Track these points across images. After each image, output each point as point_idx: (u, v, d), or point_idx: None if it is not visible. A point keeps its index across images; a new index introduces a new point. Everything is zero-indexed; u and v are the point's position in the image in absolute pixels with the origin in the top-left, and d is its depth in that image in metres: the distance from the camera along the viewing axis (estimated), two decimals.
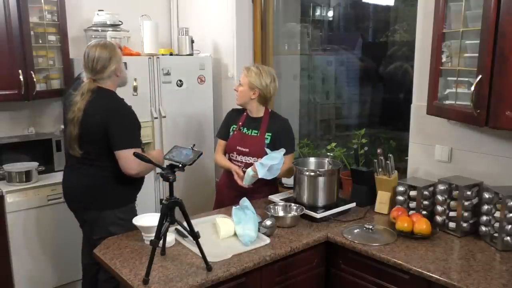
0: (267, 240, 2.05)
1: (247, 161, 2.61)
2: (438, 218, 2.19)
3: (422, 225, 2.08)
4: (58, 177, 2.90)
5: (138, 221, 2.07)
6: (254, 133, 2.62)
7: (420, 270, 1.81)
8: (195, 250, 1.86)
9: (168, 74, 3.33)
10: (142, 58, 3.24)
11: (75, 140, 2.29)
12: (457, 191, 2.13)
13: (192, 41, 3.53)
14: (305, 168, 2.45)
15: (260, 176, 2.40)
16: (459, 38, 1.98)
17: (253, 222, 2.08)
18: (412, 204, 2.30)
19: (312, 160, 2.61)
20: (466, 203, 2.11)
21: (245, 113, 2.69)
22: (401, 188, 2.33)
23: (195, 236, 1.78)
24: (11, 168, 2.97)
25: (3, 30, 2.89)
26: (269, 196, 2.54)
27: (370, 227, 2.16)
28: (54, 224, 3.04)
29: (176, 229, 2.08)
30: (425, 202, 2.27)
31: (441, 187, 2.18)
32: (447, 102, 2.10)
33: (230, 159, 2.70)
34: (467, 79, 1.97)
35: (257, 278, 1.93)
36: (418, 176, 2.50)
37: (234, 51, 3.53)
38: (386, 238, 2.11)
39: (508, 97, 1.74)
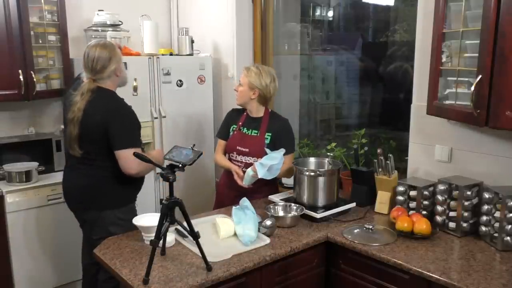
0: (267, 240, 2.05)
1: (247, 161, 2.61)
2: (438, 218, 2.19)
3: (422, 225, 2.08)
4: (58, 177, 2.90)
5: (138, 221, 2.07)
6: (254, 133, 2.62)
7: (420, 270, 1.81)
8: (195, 250, 1.87)
9: (168, 74, 3.33)
10: (142, 58, 3.24)
11: (75, 140, 2.29)
12: (457, 191, 2.13)
13: (192, 41, 3.53)
14: (305, 168, 2.45)
15: (259, 176, 2.40)
16: (459, 38, 1.98)
17: (253, 222, 2.08)
18: (412, 204, 2.30)
19: (312, 160, 2.61)
20: (466, 203, 2.11)
21: (245, 113, 2.69)
22: (401, 188, 2.33)
23: (195, 236, 1.78)
24: (11, 168, 2.97)
25: (3, 30, 2.89)
26: (269, 196, 2.54)
27: (370, 227, 2.16)
28: (54, 224, 3.04)
29: (176, 229, 2.07)
30: (425, 202, 2.27)
31: (441, 187, 2.18)
32: (447, 102, 2.10)
33: (230, 159, 2.70)
34: (467, 79, 1.97)
35: (257, 278, 1.93)
36: (418, 176, 2.50)
37: (234, 51, 3.53)
38: (386, 238, 2.11)
39: (508, 97, 1.74)
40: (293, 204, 2.37)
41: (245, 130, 2.65)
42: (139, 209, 2.48)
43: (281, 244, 2.03)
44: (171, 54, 3.47)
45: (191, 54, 3.53)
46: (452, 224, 2.15)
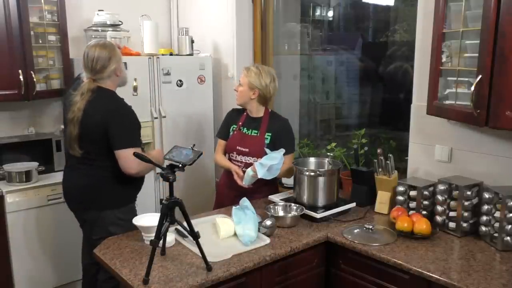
0: (267, 240, 2.05)
1: (247, 161, 2.61)
2: (438, 218, 2.19)
3: (422, 225, 2.08)
4: (58, 177, 2.90)
5: (138, 221, 2.07)
6: (254, 133, 2.62)
7: (420, 270, 1.81)
8: (195, 250, 1.86)
9: (168, 74, 3.33)
10: (142, 58, 3.24)
11: (75, 140, 2.29)
12: (457, 191, 2.13)
13: (192, 41, 3.53)
14: (305, 168, 2.45)
15: (259, 176, 2.40)
16: (459, 38, 1.98)
17: (253, 222, 2.08)
18: (412, 204, 2.30)
19: (312, 160, 2.61)
20: (466, 203, 2.11)
21: (245, 113, 2.69)
22: (401, 188, 2.33)
23: (195, 236, 1.78)
24: (11, 168, 2.97)
25: (3, 30, 2.89)
26: (269, 196, 2.54)
27: (370, 227, 2.16)
28: (54, 224, 3.04)
29: (176, 229, 2.07)
30: (425, 202, 2.27)
31: (441, 187, 2.18)
32: (447, 102, 2.10)
33: (230, 159, 2.70)
34: (467, 79, 1.97)
35: (257, 278, 1.93)
36: (418, 176, 2.50)
37: (234, 51, 3.53)
38: (386, 238, 2.11)
39: (508, 97, 1.74)
40: (293, 204, 2.37)
41: (245, 130, 2.65)
42: (139, 209, 2.47)
43: (281, 244, 2.03)
44: (171, 54, 3.47)
45: (191, 54, 3.53)
46: (452, 224, 2.15)
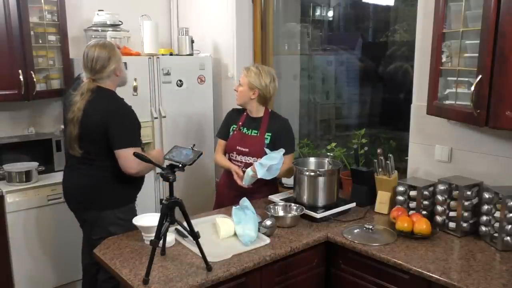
0: (267, 240, 2.05)
1: (247, 161, 2.61)
2: (438, 218, 2.19)
3: (422, 225, 2.08)
4: (58, 177, 2.90)
5: (138, 221, 2.07)
6: (254, 133, 2.62)
7: (420, 270, 1.81)
8: (195, 250, 1.86)
9: (168, 74, 3.33)
10: (142, 58, 3.24)
11: (75, 140, 2.29)
12: (457, 191, 2.13)
13: (192, 41, 3.53)
14: (305, 168, 2.45)
15: (259, 176, 2.40)
16: (459, 38, 1.98)
17: (253, 222, 2.08)
18: (412, 204, 2.30)
19: (312, 160, 2.61)
20: (466, 203, 2.11)
21: (245, 113, 2.69)
22: (401, 188, 2.33)
23: (195, 236, 1.78)
24: (11, 168, 2.97)
25: (3, 30, 2.89)
26: (269, 196, 2.54)
27: (370, 227, 2.16)
28: (54, 224, 3.04)
29: (176, 229, 2.07)
30: (425, 202, 2.27)
31: (441, 187, 2.18)
32: (447, 102, 2.10)
33: (230, 159, 2.70)
34: (467, 79, 1.97)
35: (257, 278, 1.93)
36: (418, 176, 2.50)
37: (234, 51, 3.53)
38: (386, 238, 2.10)
39: (508, 97, 1.74)
40: (293, 204, 2.37)
41: (245, 130, 2.65)
42: (139, 209, 2.48)
43: (281, 244, 2.03)
44: (171, 54, 3.47)
45: (191, 54, 3.53)
46: (452, 224, 2.15)
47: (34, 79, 3.02)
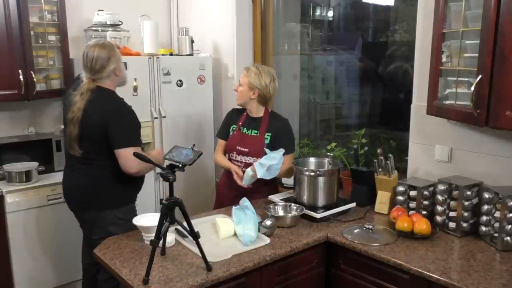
0: (267, 240, 2.05)
1: (247, 161, 2.61)
2: (438, 218, 2.19)
3: (422, 225, 2.08)
4: (58, 177, 2.90)
5: (138, 221, 2.07)
6: (254, 133, 2.62)
7: (420, 270, 1.81)
8: (195, 250, 1.86)
9: (168, 74, 3.33)
10: (142, 58, 3.24)
11: (75, 140, 2.29)
12: (457, 191, 2.13)
13: (192, 41, 3.53)
14: (305, 168, 2.45)
15: (259, 176, 2.40)
16: (459, 38, 1.98)
17: (253, 222, 2.08)
18: (412, 204, 2.30)
19: (312, 160, 2.61)
20: (466, 203, 2.11)
21: (245, 113, 2.69)
22: (401, 188, 2.33)
23: (195, 236, 1.78)
24: (11, 168, 2.97)
25: (3, 30, 2.89)
26: (269, 196, 2.54)
27: (370, 227, 2.16)
28: (54, 224, 3.04)
29: (176, 229, 2.07)
30: (425, 202, 2.27)
31: (441, 187, 2.18)
32: (447, 102, 2.10)
33: (230, 159, 2.70)
34: (467, 79, 1.97)
35: (257, 278, 1.93)
36: (418, 176, 2.50)
37: (234, 51, 3.53)
38: (386, 238, 2.10)
39: (508, 97, 1.74)
40: (293, 204, 2.37)
41: (245, 130, 2.65)
42: (139, 209, 2.47)
43: (281, 244, 2.03)
44: (171, 54, 3.47)
45: (191, 54, 3.53)
46: (452, 224, 2.15)
47: (34, 79, 3.02)
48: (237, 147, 2.64)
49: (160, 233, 1.74)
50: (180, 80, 3.39)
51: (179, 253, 1.94)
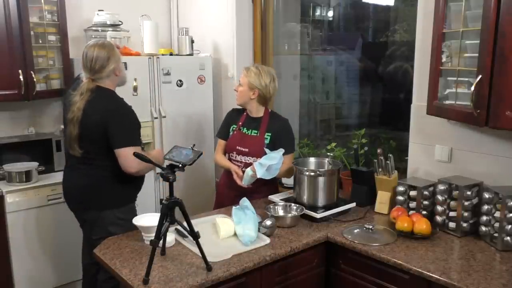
0: (267, 240, 2.05)
1: (247, 161, 2.61)
2: (438, 218, 2.19)
3: (422, 225, 2.08)
4: (58, 177, 2.90)
5: (138, 221, 2.07)
6: (254, 133, 2.62)
7: (420, 270, 1.81)
8: (195, 250, 1.86)
9: (168, 74, 3.33)
10: (142, 58, 3.24)
11: (75, 140, 2.29)
12: (457, 191, 2.13)
13: (192, 41, 3.53)
14: (305, 168, 2.45)
15: (258, 176, 2.40)
16: (459, 38, 1.98)
17: (253, 222, 2.08)
18: (412, 204, 2.30)
19: (312, 160, 2.61)
20: (466, 203, 2.11)
21: (245, 113, 2.69)
22: (401, 188, 2.33)
23: (195, 236, 1.78)
24: (11, 168, 2.97)
25: (3, 30, 2.89)
26: (269, 196, 2.54)
27: (370, 227, 2.16)
28: (54, 224, 3.04)
29: (176, 229, 2.07)
30: (425, 202, 2.27)
31: (441, 187, 2.18)
32: (447, 102, 2.10)
33: (230, 159, 2.70)
34: (467, 79, 1.97)
35: (257, 278, 1.93)
36: (418, 176, 2.50)
37: (234, 51, 3.53)
38: (386, 238, 2.10)
39: (508, 97, 1.74)
40: (293, 204, 2.37)
41: (245, 130, 2.65)
42: (139, 209, 2.47)
43: (281, 244, 2.03)
44: (171, 54, 3.47)
45: (191, 54, 3.53)
46: (452, 224, 2.15)
47: (34, 79, 3.02)
48: (237, 147, 2.64)
49: (160, 233, 1.74)
50: (180, 80, 3.39)
51: (179, 253, 1.94)
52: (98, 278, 2.43)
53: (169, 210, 1.78)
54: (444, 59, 2.10)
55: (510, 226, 1.95)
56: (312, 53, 4.00)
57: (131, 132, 2.32)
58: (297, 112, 3.98)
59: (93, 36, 3.26)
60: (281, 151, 2.44)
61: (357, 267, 2.09)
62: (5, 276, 2.91)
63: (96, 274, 2.46)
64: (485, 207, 2.04)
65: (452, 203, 2.16)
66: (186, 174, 2.06)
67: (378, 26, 3.69)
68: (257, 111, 2.65)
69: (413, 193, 2.28)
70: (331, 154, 2.74)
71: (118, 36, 3.26)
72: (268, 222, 2.12)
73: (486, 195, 2.03)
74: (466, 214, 2.11)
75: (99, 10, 3.35)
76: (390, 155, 2.47)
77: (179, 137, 3.39)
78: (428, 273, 1.78)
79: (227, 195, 2.68)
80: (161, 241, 1.81)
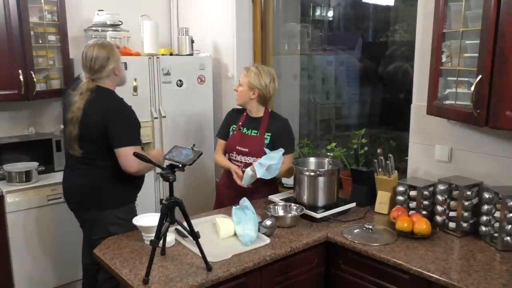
0: (267, 240, 2.05)
1: (247, 161, 2.61)
2: (438, 218, 2.19)
3: (422, 225, 2.08)
4: (58, 177, 2.90)
5: (138, 221, 2.07)
6: (254, 133, 2.62)
7: (420, 270, 1.81)
8: (195, 250, 1.86)
9: (168, 74, 3.33)
10: (142, 58, 3.24)
11: (75, 140, 2.29)
12: (457, 191, 2.13)
13: (192, 41, 3.53)
14: (305, 168, 2.45)
15: (258, 176, 2.40)
16: (459, 38, 1.98)
17: (253, 222, 2.08)
18: (412, 204, 2.30)
19: (312, 160, 2.61)
20: (466, 203, 2.11)
21: (245, 113, 2.69)
22: (401, 188, 2.33)
23: (195, 236, 1.78)
24: (11, 168, 2.97)
25: (3, 30, 2.89)
26: (269, 196, 2.54)
27: (370, 227, 2.16)
28: (54, 224, 3.04)
29: (176, 229, 2.07)
30: (425, 202, 2.27)
31: (441, 187, 2.18)
32: (447, 102, 2.10)
33: (230, 159, 2.70)
34: (467, 79, 1.97)
35: (257, 278, 1.93)
36: (418, 176, 2.50)
37: (234, 51, 3.53)
38: (386, 238, 2.10)
39: (508, 97, 1.74)
40: (293, 204, 2.37)
41: (245, 130, 2.65)
42: (139, 209, 2.47)
43: (281, 244, 2.03)
44: (171, 54, 3.47)
45: (191, 54, 3.53)
46: (452, 224, 2.15)
47: (34, 79, 3.02)
48: (237, 147, 2.64)
49: (160, 233, 1.74)
50: (180, 80, 3.39)
51: (179, 253, 1.94)
52: (98, 278, 2.43)
53: (169, 210, 1.78)
54: (444, 59, 2.10)
55: (510, 226, 1.95)
56: (312, 53, 4.01)
57: (131, 131, 2.32)
58: (297, 112, 3.98)
59: (93, 36, 3.26)
60: (281, 151, 2.44)
61: (357, 267, 2.09)
62: (5, 276, 2.91)
63: (96, 274, 2.46)
64: (485, 207, 2.04)
65: (452, 203, 2.16)
66: (186, 174, 2.05)
67: (378, 26, 3.69)
68: (257, 111, 2.65)
69: (413, 193, 2.28)
70: (331, 154, 2.74)
71: (118, 36, 3.27)
72: (268, 222, 2.12)
73: (486, 195, 2.03)
74: (466, 214, 2.11)
75: (99, 10, 3.35)
76: (390, 155, 2.47)
77: (179, 137, 3.39)
78: (428, 273, 1.78)
79: (227, 195, 2.68)
80: (161, 241, 1.81)
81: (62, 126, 2.77)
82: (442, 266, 1.83)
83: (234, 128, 2.69)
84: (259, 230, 2.09)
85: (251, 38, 3.59)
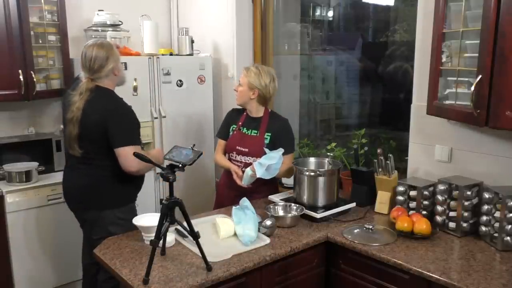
0: (267, 240, 2.05)
1: (247, 161, 2.61)
2: (438, 218, 2.19)
3: (422, 225, 2.08)
4: (58, 177, 2.90)
5: (138, 221, 2.07)
6: (254, 133, 2.62)
7: (420, 270, 1.81)
8: (195, 250, 1.87)
9: (168, 74, 3.33)
10: (142, 58, 3.24)
11: (75, 140, 2.29)
12: (457, 191, 2.13)
13: (192, 41, 3.53)
14: (305, 168, 2.45)
15: (258, 176, 2.40)
16: (459, 38, 1.98)
17: (253, 222, 2.08)
18: (412, 204, 2.30)
19: (312, 160, 2.61)
20: (466, 203, 2.11)
21: (245, 113, 2.69)
22: (401, 188, 2.33)
23: (195, 236, 1.78)
24: (11, 168, 2.97)
25: (3, 30, 2.89)
26: (269, 196, 2.54)
27: (370, 227, 2.16)
28: (54, 224, 3.04)
29: (176, 229, 2.07)
30: (425, 202, 2.27)
31: (441, 187, 2.18)
32: (447, 102, 2.10)
33: (230, 159, 2.70)
34: (467, 79, 1.97)
35: (257, 278, 1.93)
36: (418, 176, 2.50)
37: (234, 51, 3.53)
38: (386, 238, 2.10)
39: (508, 97, 1.74)
40: (293, 204, 2.37)
41: (244, 130, 2.65)
42: (139, 209, 2.48)
43: (281, 244, 2.03)
44: (171, 54, 3.47)
45: (191, 54, 3.53)
46: (452, 224, 2.15)
47: (34, 79, 3.02)
48: (237, 147, 2.64)
49: (160, 233, 1.74)
50: (180, 80, 3.39)
51: (179, 253, 1.94)
52: (98, 278, 2.43)
53: (169, 210, 1.78)
54: (444, 59, 2.10)
55: (510, 226, 1.95)
56: (312, 53, 4.01)
57: (130, 131, 2.32)
58: (297, 112, 3.98)
59: (93, 36, 3.26)
60: (281, 150, 2.44)
61: (357, 267, 2.09)
62: (5, 276, 2.91)
63: (96, 274, 2.46)
64: (485, 207, 2.04)
65: (452, 203, 2.16)
66: (186, 174, 2.05)
67: (378, 26, 3.69)
68: (257, 111, 2.65)
69: (413, 193, 2.28)
70: (331, 154, 2.74)
71: (118, 36, 3.27)
72: (268, 222, 2.12)
73: (486, 195, 2.03)
74: (466, 214, 2.11)
75: (99, 10, 3.35)
76: (390, 155, 2.47)
77: (179, 137, 3.39)
78: (428, 273, 1.78)
79: (227, 195, 2.68)
80: (161, 241, 1.81)
81: (62, 126, 2.77)
82: (442, 266, 1.83)
83: (234, 128, 2.69)
84: (259, 230, 2.09)
85: (251, 38, 3.59)
